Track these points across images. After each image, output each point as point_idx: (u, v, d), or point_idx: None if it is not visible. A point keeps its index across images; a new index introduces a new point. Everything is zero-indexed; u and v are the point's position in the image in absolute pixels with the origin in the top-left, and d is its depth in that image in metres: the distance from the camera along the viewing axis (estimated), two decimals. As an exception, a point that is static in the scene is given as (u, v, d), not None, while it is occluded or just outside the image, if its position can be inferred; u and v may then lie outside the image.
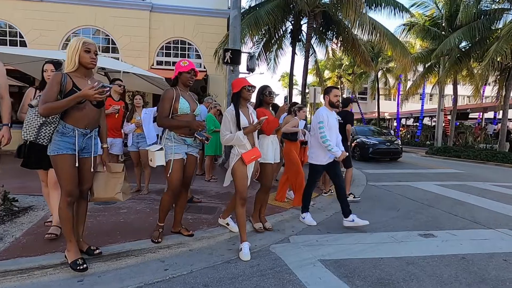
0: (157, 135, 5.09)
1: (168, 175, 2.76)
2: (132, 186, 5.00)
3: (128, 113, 4.79)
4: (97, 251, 2.52)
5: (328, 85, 28.02)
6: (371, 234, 3.52)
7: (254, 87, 3.00)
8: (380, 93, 27.16)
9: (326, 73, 32.49)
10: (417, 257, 2.88)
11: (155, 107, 5.15)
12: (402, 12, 10.63)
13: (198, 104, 2.98)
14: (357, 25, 9.71)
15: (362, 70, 27.33)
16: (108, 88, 2.16)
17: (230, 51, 7.69)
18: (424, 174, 8.57)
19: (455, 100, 16.63)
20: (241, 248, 2.85)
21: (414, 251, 3.03)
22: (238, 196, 2.91)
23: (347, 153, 3.79)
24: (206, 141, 2.84)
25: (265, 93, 3.45)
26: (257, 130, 3.01)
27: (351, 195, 5.13)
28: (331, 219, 4.13)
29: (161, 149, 2.76)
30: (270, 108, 3.72)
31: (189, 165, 2.96)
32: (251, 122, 2.97)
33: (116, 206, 4.01)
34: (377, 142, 11.51)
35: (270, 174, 3.44)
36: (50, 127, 2.23)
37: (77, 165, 2.28)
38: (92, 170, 2.42)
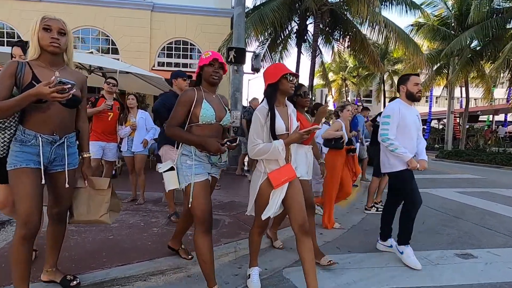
0: (151, 140, 4.63)
1: (189, 205, 1.99)
2: (127, 195, 4.58)
3: (121, 115, 4.33)
4: (75, 282, 2.05)
5: (329, 86, 27.38)
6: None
7: (298, 76, 2.18)
8: (386, 95, 26.66)
9: (330, 76, 32.04)
10: (462, 286, 2.39)
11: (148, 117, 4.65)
12: (414, 9, 10.19)
13: (228, 111, 2.23)
14: (367, 22, 9.26)
15: (367, 72, 26.88)
16: (70, 85, 1.59)
17: (234, 49, 7.28)
18: (441, 180, 8.05)
19: (466, 102, 16.10)
20: (249, 275, 2.38)
21: (456, 277, 2.54)
22: (257, 223, 2.26)
23: (426, 165, 2.82)
24: (234, 147, 2.09)
25: (299, 94, 2.74)
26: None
27: (373, 207, 4.66)
28: (350, 235, 3.64)
29: (172, 168, 2.07)
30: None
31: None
32: (290, 126, 2.16)
33: (106, 219, 3.55)
34: (387, 146, 10.97)
35: (308, 190, 2.65)
36: (4, 134, 1.71)
37: (43, 182, 1.77)
38: (67, 186, 1.90)
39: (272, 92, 2.13)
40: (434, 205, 5.12)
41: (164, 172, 2.07)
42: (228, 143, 2.02)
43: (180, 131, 2.04)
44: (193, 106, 2.04)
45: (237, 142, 2.05)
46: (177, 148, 2.15)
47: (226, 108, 2.25)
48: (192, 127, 2.07)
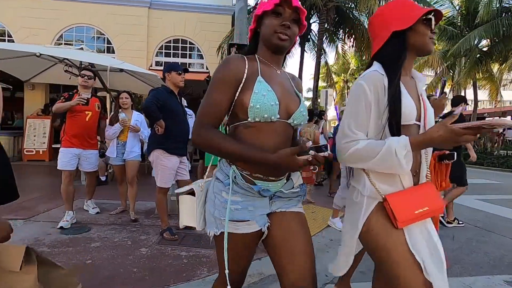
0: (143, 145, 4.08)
1: (220, 260, 1.18)
2: (117, 204, 4.05)
3: (112, 114, 3.79)
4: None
5: (334, 87, 26.81)
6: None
7: (442, 16, 1.16)
8: (389, 97, 26.23)
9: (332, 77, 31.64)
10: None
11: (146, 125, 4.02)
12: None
13: (302, 99, 1.25)
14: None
15: (370, 74, 26.44)
16: None
17: (235, 45, 6.76)
18: (457, 186, 7.55)
19: (475, 104, 15.65)
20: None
21: (518, 317, 2.03)
22: None
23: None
24: (322, 159, 1.04)
25: None
26: None
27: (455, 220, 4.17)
28: (373, 254, 3.12)
29: (192, 192, 1.21)
30: None
31: (293, 237, 1.15)
32: (425, 113, 1.17)
33: (87, 236, 3.04)
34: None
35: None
36: None
37: None
38: None
39: (399, 48, 1.11)
40: (458, 215, 4.60)
41: (182, 194, 1.25)
42: (313, 152, 1.00)
43: (219, 137, 1.07)
44: (240, 88, 1.09)
45: (328, 151, 1.01)
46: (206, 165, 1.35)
47: (300, 95, 1.25)
48: (238, 130, 1.13)
